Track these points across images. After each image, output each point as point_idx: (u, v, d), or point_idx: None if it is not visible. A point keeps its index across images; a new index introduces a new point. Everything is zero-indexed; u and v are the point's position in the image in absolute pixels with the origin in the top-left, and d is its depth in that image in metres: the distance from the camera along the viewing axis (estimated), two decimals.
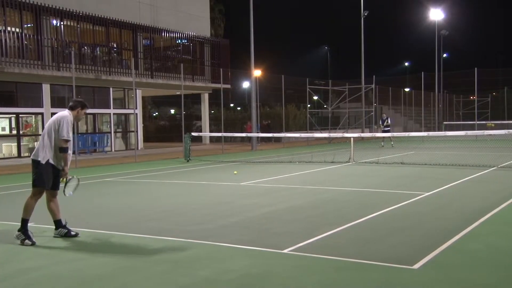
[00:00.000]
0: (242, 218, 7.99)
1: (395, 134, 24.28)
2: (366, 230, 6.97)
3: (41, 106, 23.27)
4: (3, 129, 23.39)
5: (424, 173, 13.78)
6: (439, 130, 41.50)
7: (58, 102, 24.32)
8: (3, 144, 22.71)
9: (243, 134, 27.43)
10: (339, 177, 13.55)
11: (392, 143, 26.08)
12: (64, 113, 6.87)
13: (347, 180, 12.72)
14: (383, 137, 25.14)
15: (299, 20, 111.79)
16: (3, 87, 21.85)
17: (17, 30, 22.00)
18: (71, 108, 7.01)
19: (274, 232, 6.94)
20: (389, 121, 26.60)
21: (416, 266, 5.24)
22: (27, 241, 6.58)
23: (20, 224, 6.75)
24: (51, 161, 6.70)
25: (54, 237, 6.92)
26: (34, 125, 23.89)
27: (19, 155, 22.32)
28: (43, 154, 6.69)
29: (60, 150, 6.68)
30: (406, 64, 72.69)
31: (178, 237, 6.69)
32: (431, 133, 20.62)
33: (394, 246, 6.09)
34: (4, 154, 22.38)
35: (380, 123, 27.78)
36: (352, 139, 18.77)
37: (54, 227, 7.08)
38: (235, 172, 14.46)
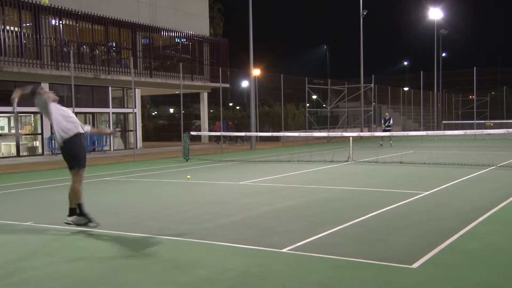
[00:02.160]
0: (241, 217, 7.99)
1: (394, 133, 24.29)
2: (365, 229, 6.97)
3: None
4: (2, 128, 23.38)
5: (423, 172, 13.79)
6: (438, 129, 41.54)
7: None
8: (2, 143, 22.70)
9: (242, 133, 27.42)
10: (338, 176, 13.55)
11: (391, 142, 26.10)
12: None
13: (346, 179, 12.73)
14: (382, 136, 25.14)
15: (298, 19, 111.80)
16: (2, 86, 21.83)
17: (16, 29, 21.98)
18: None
19: (273, 231, 6.94)
20: (391, 121, 26.63)
21: (415, 265, 5.24)
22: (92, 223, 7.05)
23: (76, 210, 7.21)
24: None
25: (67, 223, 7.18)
26: (33, 125, 23.89)
27: (18, 154, 22.32)
28: None
29: None
30: (405, 63, 72.74)
31: (178, 236, 6.69)
32: (430, 133, 20.60)
33: (393, 245, 6.10)
34: (3, 153, 22.38)
35: (382, 122, 27.76)
36: (351, 138, 18.78)
37: (53, 226, 7.09)
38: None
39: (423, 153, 20.16)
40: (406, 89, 51.59)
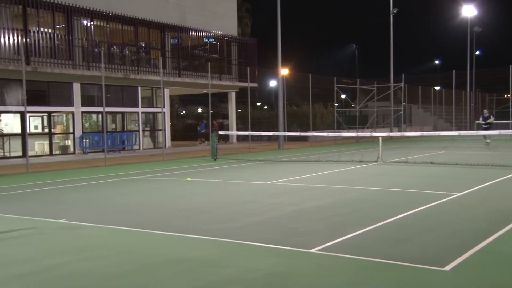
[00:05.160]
0: (268, 216, 7.94)
1: (425, 133, 23.80)
2: (394, 230, 6.83)
3: (71, 105, 23.72)
4: (36, 127, 23.94)
5: (454, 173, 13.47)
6: (471, 129, 40.57)
7: (88, 100, 24.74)
8: (36, 142, 23.23)
9: (270, 133, 27.34)
10: (367, 176, 13.35)
11: (488, 141, 25.16)
12: None
13: (375, 180, 12.52)
14: (484, 135, 23.84)
15: (326, 17, 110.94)
16: (36, 87, 22.32)
17: (50, 30, 22.48)
18: None
19: (300, 231, 6.86)
20: (491, 118, 25.92)
21: (447, 267, 5.09)
22: None
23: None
24: None
25: None
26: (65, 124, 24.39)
27: (50, 153, 22.81)
28: None
29: None
30: (437, 62, 71.31)
31: (204, 235, 6.68)
32: (463, 133, 20.10)
33: (423, 247, 5.94)
34: (36, 152, 22.90)
35: (481, 119, 26.65)
36: (380, 138, 18.50)
37: (85, 223, 7.18)
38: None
39: (455, 154, 19.70)
40: (437, 88, 50.59)
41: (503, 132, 17.48)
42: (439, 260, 5.32)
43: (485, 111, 27.08)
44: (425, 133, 23.67)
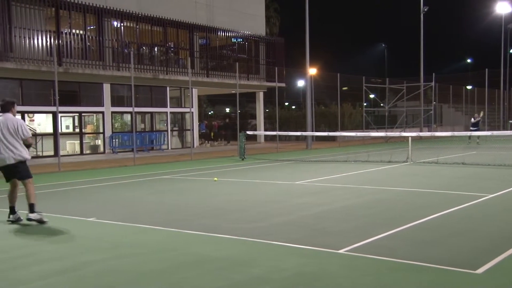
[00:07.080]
0: (295, 216, 7.91)
1: (456, 133, 23.33)
2: (424, 232, 6.70)
3: (102, 105, 24.14)
4: (67, 127, 24.46)
5: (487, 174, 13.15)
6: (505, 129, 39.57)
7: (117, 101, 25.13)
8: (67, 141, 23.73)
9: (298, 133, 27.25)
10: (396, 177, 13.16)
11: (477, 141, 26.55)
12: (16, 117, 7.74)
13: (405, 180, 12.33)
14: (470, 136, 25.78)
15: (355, 16, 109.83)
16: (67, 87, 22.80)
17: (81, 32, 22.93)
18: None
19: (328, 232, 6.81)
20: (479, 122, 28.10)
21: (480, 270, 4.97)
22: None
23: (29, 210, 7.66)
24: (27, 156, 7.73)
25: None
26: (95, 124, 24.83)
27: (81, 152, 23.26)
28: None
29: (28, 146, 7.76)
30: (468, 60, 69.73)
31: (232, 235, 6.70)
32: (496, 132, 19.60)
33: (454, 249, 5.82)
34: (68, 151, 23.39)
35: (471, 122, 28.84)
36: (410, 138, 18.21)
37: (115, 222, 7.28)
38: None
39: (487, 154, 19.24)
40: (469, 87, 49.49)
41: None
42: (471, 263, 5.21)
43: (476, 114, 29.02)
44: (456, 133, 23.20)
